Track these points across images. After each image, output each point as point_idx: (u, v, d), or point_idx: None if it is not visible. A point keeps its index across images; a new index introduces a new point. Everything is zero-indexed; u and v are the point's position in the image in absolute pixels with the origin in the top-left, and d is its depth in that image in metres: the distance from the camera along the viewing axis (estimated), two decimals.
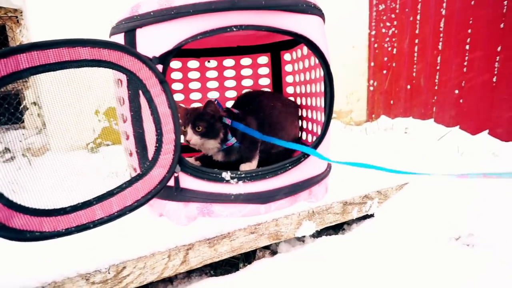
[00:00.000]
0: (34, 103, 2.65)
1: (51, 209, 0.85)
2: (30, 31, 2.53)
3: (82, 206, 0.90)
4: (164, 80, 1.00)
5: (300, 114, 1.72)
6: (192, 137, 1.31)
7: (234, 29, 1.00)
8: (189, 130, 1.32)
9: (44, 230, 0.84)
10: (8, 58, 0.75)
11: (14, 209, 0.79)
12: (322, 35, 1.19)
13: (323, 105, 1.29)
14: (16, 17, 2.57)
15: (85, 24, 2.57)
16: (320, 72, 1.36)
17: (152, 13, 0.99)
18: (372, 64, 3.30)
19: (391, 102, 3.08)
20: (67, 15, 2.53)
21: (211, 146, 1.39)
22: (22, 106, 2.68)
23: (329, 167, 1.39)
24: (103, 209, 0.93)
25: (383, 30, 3.10)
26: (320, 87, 1.37)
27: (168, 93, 1.01)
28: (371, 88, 3.34)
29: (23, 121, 2.70)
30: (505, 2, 1.94)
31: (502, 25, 1.97)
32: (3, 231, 0.77)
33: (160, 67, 1.01)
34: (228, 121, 1.38)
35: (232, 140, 1.39)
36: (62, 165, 0.97)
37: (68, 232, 0.87)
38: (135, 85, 1.00)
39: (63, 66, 0.84)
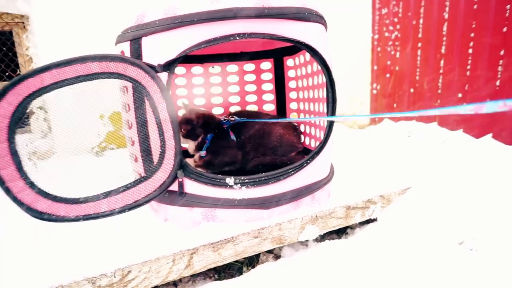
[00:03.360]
0: (40, 108, 2.68)
1: (68, 198, 0.98)
2: (36, 36, 2.57)
3: (92, 198, 1.00)
4: (164, 88, 1.02)
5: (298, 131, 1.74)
6: None
7: (237, 38, 1.02)
8: None
9: (59, 214, 0.96)
10: (34, 77, 0.91)
11: (40, 194, 0.95)
12: (324, 42, 1.20)
13: (325, 110, 1.30)
14: (23, 22, 2.60)
15: (90, 30, 2.60)
16: (322, 78, 1.37)
17: (157, 22, 1.01)
18: (375, 67, 3.31)
19: (394, 105, 3.08)
20: (72, 21, 2.57)
21: (191, 147, 1.59)
22: (28, 110, 2.71)
23: (331, 172, 1.40)
24: (108, 204, 1.01)
25: (386, 34, 3.11)
26: (323, 92, 1.38)
27: (168, 100, 1.03)
28: (374, 91, 3.35)
29: (29, 125, 2.74)
30: (508, 6, 1.95)
31: (505, 29, 1.97)
32: (28, 211, 0.94)
33: (165, 75, 1.03)
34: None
35: (202, 153, 1.56)
36: (80, 164, 1.06)
37: (76, 219, 0.98)
38: (140, 92, 1.03)
39: (78, 80, 0.95)
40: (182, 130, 1.53)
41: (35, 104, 2.67)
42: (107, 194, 1.01)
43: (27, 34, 2.61)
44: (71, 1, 2.56)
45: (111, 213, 1.00)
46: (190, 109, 1.62)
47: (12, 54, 2.60)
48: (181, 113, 1.69)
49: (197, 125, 1.55)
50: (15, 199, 0.91)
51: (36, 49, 2.60)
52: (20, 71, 2.64)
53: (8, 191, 0.90)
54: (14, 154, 0.91)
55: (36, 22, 2.56)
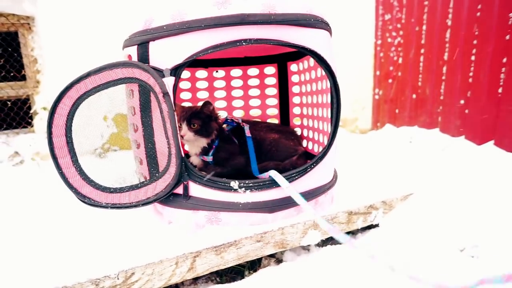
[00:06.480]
0: (44, 108, 2.70)
1: (103, 186, 1.11)
2: (41, 38, 2.59)
3: (120, 190, 1.12)
4: (166, 92, 1.03)
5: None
6: (186, 133, 1.37)
7: (244, 43, 1.03)
8: (184, 126, 1.37)
9: (96, 200, 1.10)
10: (80, 83, 1.06)
11: (85, 181, 1.10)
12: (330, 48, 1.22)
13: (329, 116, 1.31)
14: (28, 23, 2.63)
15: (95, 32, 2.62)
16: (326, 83, 1.38)
17: (165, 27, 1.02)
18: (378, 73, 3.32)
19: (396, 111, 3.09)
20: (77, 22, 2.59)
21: (201, 145, 1.45)
22: (32, 111, 2.73)
23: (335, 177, 1.41)
24: (129, 197, 1.12)
25: (389, 40, 3.12)
26: (327, 98, 1.39)
27: (169, 104, 1.04)
28: (377, 97, 3.36)
29: (32, 126, 2.75)
30: (511, 14, 1.96)
31: (507, 37, 1.98)
32: (76, 194, 1.09)
33: (172, 79, 1.04)
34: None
35: (209, 158, 1.45)
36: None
37: (105, 206, 1.10)
38: (147, 96, 1.04)
39: (110, 85, 1.08)
40: (193, 126, 1.38)
41: (39, 105, 2.69)
42: (131, 188, 1.13)
43: (33, 35, 2.63)
44: (77, 3, 2.58)
45: (128, 206, 1.11)
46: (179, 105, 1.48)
47: (17, 54, 2.62)
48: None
49: (210, 119, 1.41)
50: (67, 183, 1.08)
51: (41, 50, 2.63)
52: (25, 71, 2.66)
53: (63, 176, 1.07)
54: (70, 145, 1.08)
55: (41, 23, 2.58)
